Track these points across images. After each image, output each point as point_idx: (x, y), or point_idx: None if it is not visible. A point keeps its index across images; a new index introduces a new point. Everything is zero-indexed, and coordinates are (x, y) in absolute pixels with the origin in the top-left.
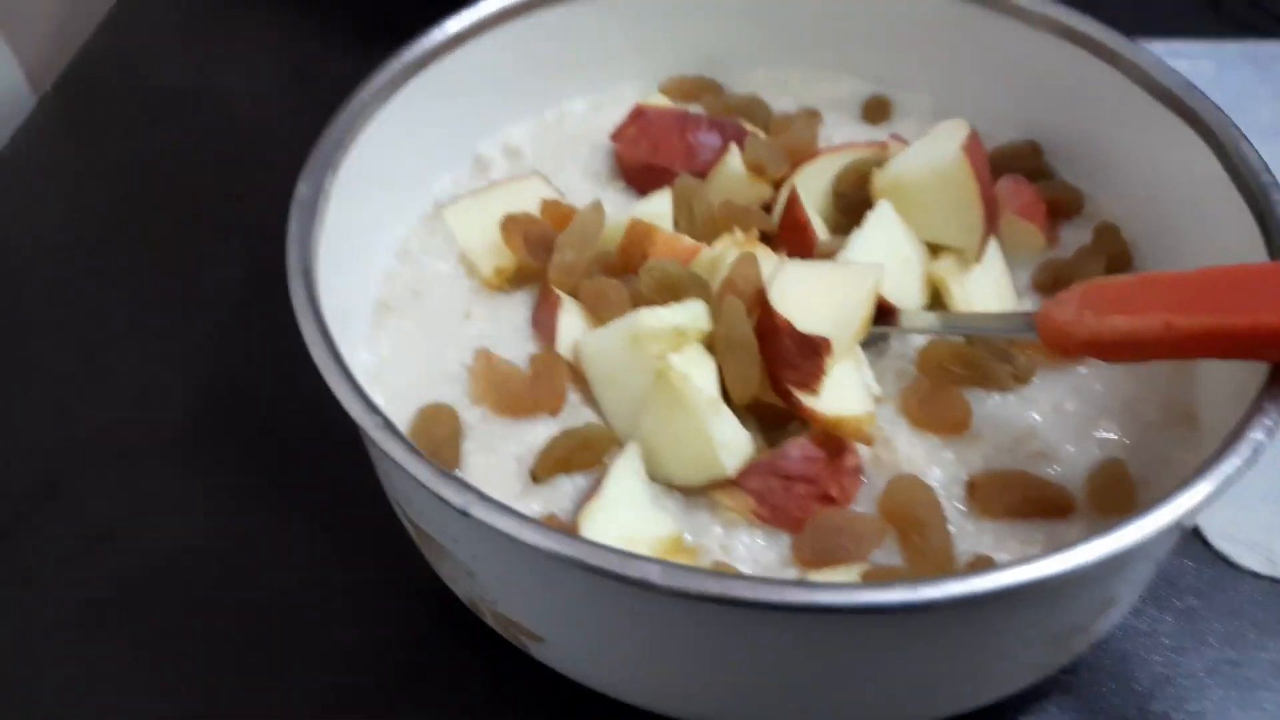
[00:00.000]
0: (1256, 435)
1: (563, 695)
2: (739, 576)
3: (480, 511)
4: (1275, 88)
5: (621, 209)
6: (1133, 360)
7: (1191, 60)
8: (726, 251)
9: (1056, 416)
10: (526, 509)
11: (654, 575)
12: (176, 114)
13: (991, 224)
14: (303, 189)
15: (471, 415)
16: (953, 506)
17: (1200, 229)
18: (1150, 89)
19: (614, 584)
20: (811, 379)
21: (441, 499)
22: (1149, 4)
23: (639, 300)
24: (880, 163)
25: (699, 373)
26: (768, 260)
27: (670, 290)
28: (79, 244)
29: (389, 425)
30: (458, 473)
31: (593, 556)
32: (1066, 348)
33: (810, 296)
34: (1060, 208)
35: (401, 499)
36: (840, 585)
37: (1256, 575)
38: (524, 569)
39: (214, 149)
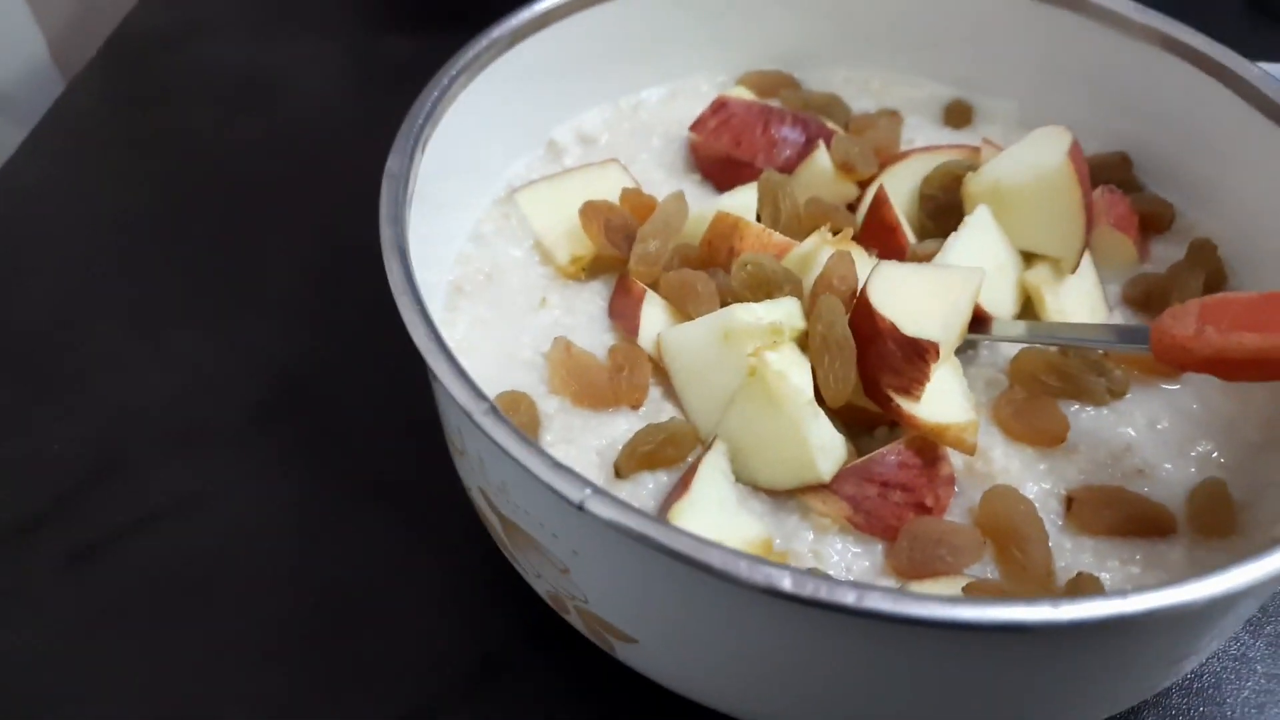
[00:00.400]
0: None
1: (641, 698)
2: (882, 589)
3: (599, 506)
4: None
5: (698, 201)
6: (1257, 379)
7: None
8: (819, 249)
9: (1152, 433)
10: None
11: (785, 583)
12: (230, 90)
13: (1090, 233)
14: (393, 164)
15: (549, 405)
16: (1051, 521)
17: None
18: (1262, 107)
19: (737, 589)
20: (914, 384)
21: (555, 491)
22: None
23: (725, 295)
24: (973, 167)
25: (795, 373)
26: (863, 260)
27: (763, 286)
28: (139, 217)
29: (495, 410)
30: None
31: (722, 561)
32: (1184, 363)
33: (910, 299)
34: (1151, 222)
35: (494, 489)
36: (998, 601)
37: None
38: (634, 568)
39: (270, 129)
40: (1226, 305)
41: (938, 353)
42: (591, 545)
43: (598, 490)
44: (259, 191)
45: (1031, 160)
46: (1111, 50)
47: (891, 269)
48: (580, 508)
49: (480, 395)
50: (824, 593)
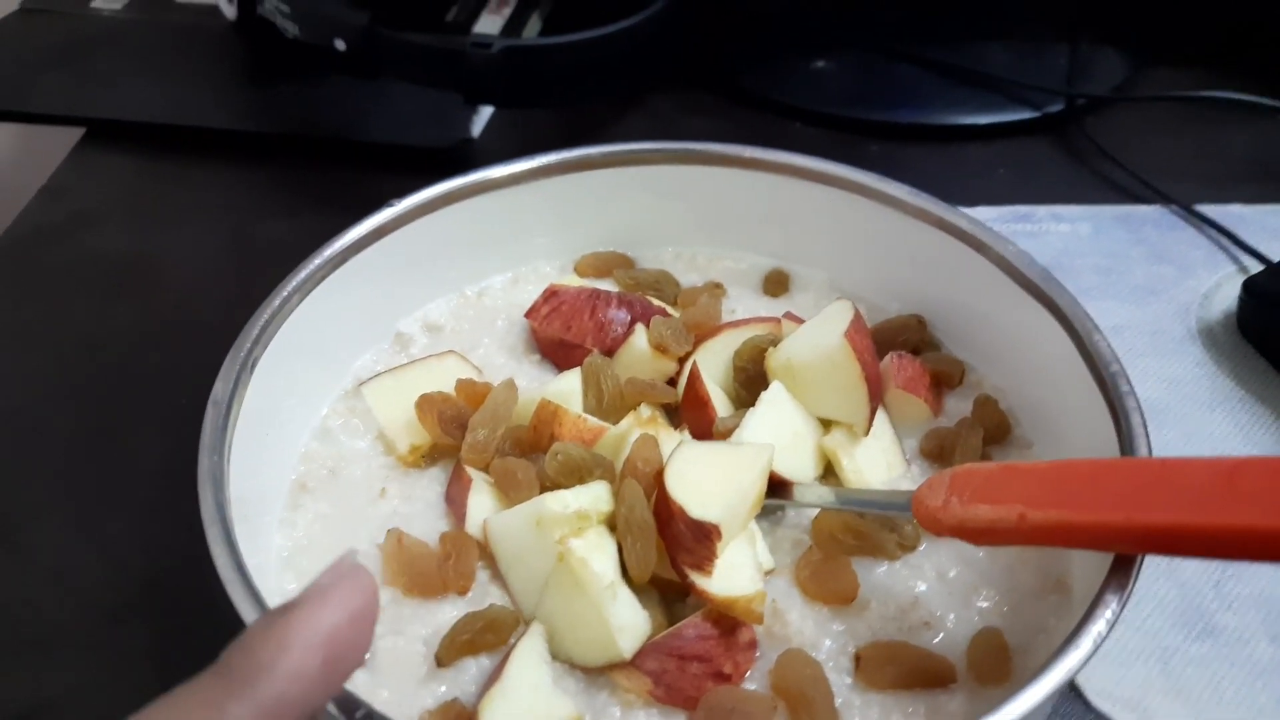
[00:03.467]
0: (1104, 617)
1: None
2: None
3: None
4: (1146, 249)
5: (537, 381)
6: (996, 544)
7: (1072, 223)
8: (630, 431)
9: (940, 584)
10: (431, 693)
11: None
12: (110, 280)
13: (876, 399)
14: (218, 390)
15: (382, 597)
16: (841, 680)
17: (1065, 406)
18: (1014, 277)
19: None
20: (705, 561)
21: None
22: (1034, 171)
23: (544, 480)
24: (775, 341)
25: (599, 556)
26: (669, 439)
27: (575, 473)
28: (7, 411)
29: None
30: (367, 656)
31: None
32: (938, 530)
33: (705, 478)
34: (944, 379)
35: None
36: None
37: None
38: None
39: (146, 317)
40: (971, 476)
41: (720, 534)
42: None
43: (372, 713)
44: (131, 384)
45: (815, 340)
46: (898, 227)
47: (689, 450)
48: None
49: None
50: None
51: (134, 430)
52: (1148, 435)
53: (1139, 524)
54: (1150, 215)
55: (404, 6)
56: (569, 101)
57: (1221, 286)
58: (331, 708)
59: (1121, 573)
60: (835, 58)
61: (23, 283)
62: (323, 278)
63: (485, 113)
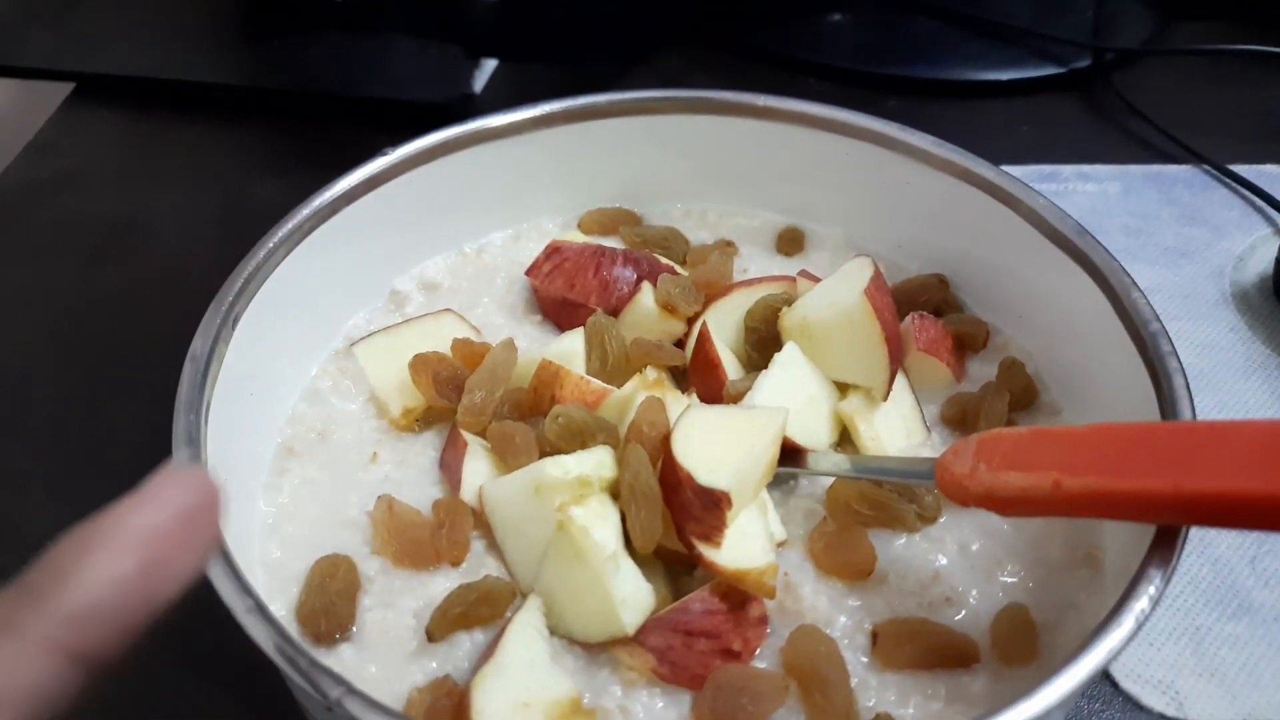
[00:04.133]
0: (1147, 594)
1: None
2: None
3: (353, 705)
4: (1178, 210)
5: (538, 343)
6: (1027, 515)
7: (1100, 183)
8: (635, 394)
9: (962, 558)
10: (422, 669)
11: None
12: (96, 242)
13: (896, 362)
14: (197, 345)
15: (370, 566)
16: (856, 658)
17: (1099, 369)
18: (1046, 232)
19: None
20: (714, 531)
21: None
22: (1060, 128)
23: (544, 444)
24: (789, 300)
25: (601, 525)
26: (676, 403)
27: (576, 437)
28: None
29: (261, 608)
30: (353, 629)
31: None
32: (963, 499)
33: (714, 443)
34: (968, 341)
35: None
36: None
37: (1164, 717)
38: None
39: (134, 280)
40: (1000, 441)
41: (731, 502)
42: None
43: (352, 690)
44: (116, 348)
45: (833, 298)
46: (920, 181)
47: (697, 414)
48: (330, 709)
49: (247, 591)
50: None
51: (118, 396)
52: (1191, 398)
53: (1188, 492)
54: (1181, 175)
55: None
56: (572, 55)
57: (1256, 249)
58: (306, 687)
59: (1165, 546)
60: (850, 10)
61: (6, 243)
62: (310, 230)
63: (488, 68)
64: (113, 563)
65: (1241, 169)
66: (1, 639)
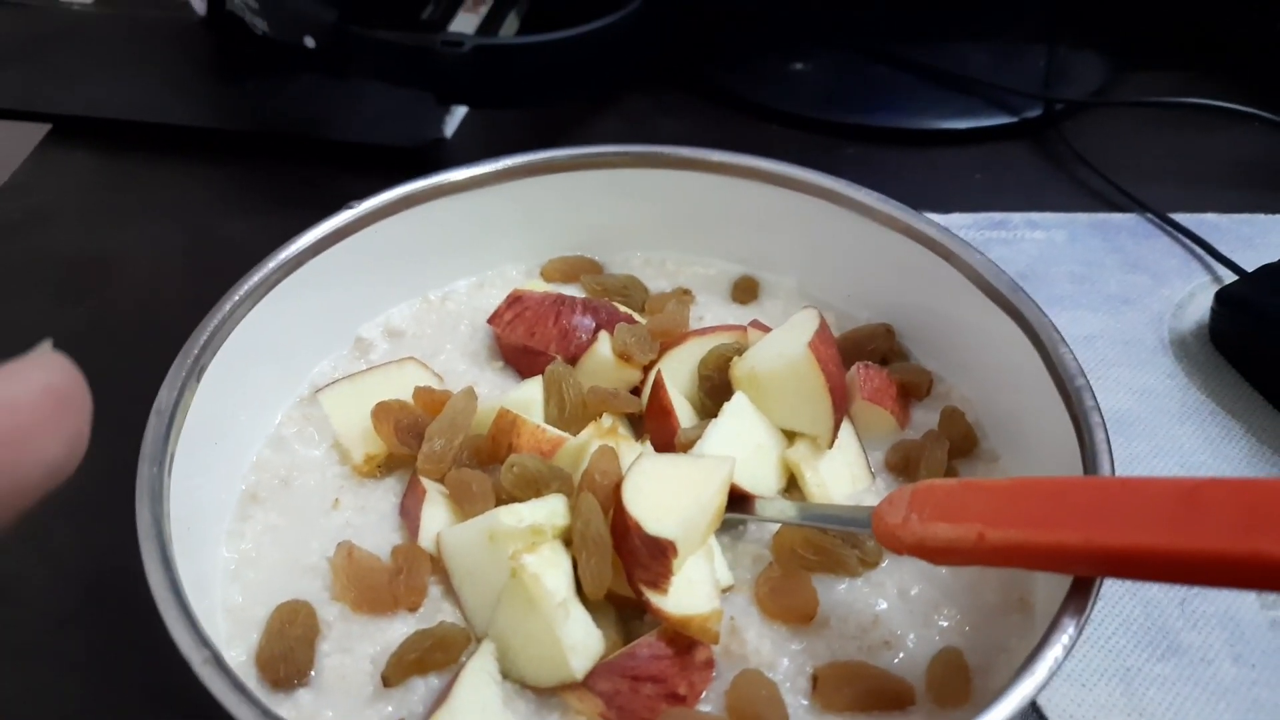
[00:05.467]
0: (1061, 642)
1: None
2: None
3: None
4: (1121, 258)
5: (499, 389)
6: (956, 564)
7: (1048, 230)
8: (590, 442)
9: (902, 602)
10: (378, 713)
11: None
12: (62, 279)
13: (840, 411)
14: (163, 397)
15: (330, 612)
16: (797, 701)
17: (1032, 419)
18: (982, 287)
19: None
20: (660, 578)
21: None
22: (1011, 176)
23: (500, 492)
24: (740, 349)
25: (552, 572)
26: (630, 450)
27: (531, 485)
28: None
29: (217, 659)
30: (312, 674)
31: None
32: (897, 548)
33: (663, 492)
34: (912, 389)
35: None
36: None
37: None
38: None
39: (97, 318)
40: (931, 492)
41: (677, 550)
42: None
43: None
44: (90, 386)
45: (780, 349)
46: (866, 234)
47: (648, 463)
48: None
49: (204, 644)
50: None
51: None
52: (1111, 452)
53: (1097, 546)
54: (1126, 223)
55: (376, 4)
56: (542, 101)
57: (1195, 296)
58: None
59: (1080, 595)
60: (812, 59)
61: None
62: (277, 282)
63: (459, 113)
64: None
65: (1182, 217)
66: None
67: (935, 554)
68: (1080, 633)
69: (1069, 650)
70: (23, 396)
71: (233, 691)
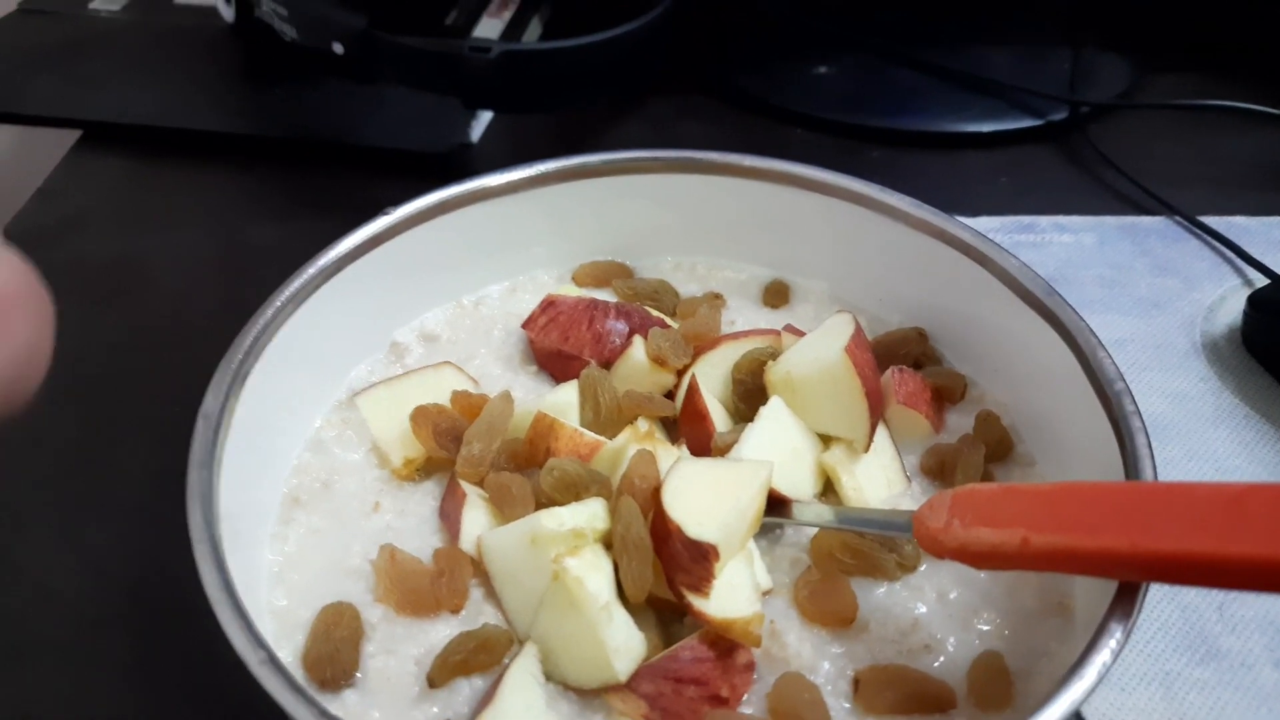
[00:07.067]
0: (1109, 647)
1: None
2: None
3: None
4: (1151, 261)
5: (534, 393)
6: (999, 569)
7: (1075, 234)
8: (628, 446)
9: (941, 606)
10: (424, 714)
11: None
12: (97, 285)
13: (876, 415)
14: (209, 403)
15: (374, 614)
16: (839, 704)
17: (1069, 424)
18: (1018, 292)
19: None
20: (702, 582)
21: None
22: (1037, 179)
23: (540, 495)
24: (774, 354)
25: (594, 576)
26: (667, 454)
27: (571, 489)
28: None
29: (273, 659)
30: (357, 676)
31: None
32: (939, 553)
33: (703, 496)
34: (946, 393)
35: None
36: None
37: None
38: None
39: (134, 324)
40: (973, 497)
41: (718, 554)
42: None
43: None
44: (119, 391)
45: (816, 353)
46: (899, 239)
47: (687, 467)
48: None
49: (260, 644)
50: None
51: (120, 438)
52: (1153, 457)
53: (1145, 551)
54: (1155, 226)
55: (402, 10)
56: (568, 106)
57: (1226, 300)
58: None
59: (1126, 600)
60: (836, 62)
61: None
62: (317, 287)
63: (484, 117)
64: None
65: (1212, 220)
66: None
67: (978, 559)
68: (1128, 638)
69: (1117, 655)
70: None
71: (290, 691)
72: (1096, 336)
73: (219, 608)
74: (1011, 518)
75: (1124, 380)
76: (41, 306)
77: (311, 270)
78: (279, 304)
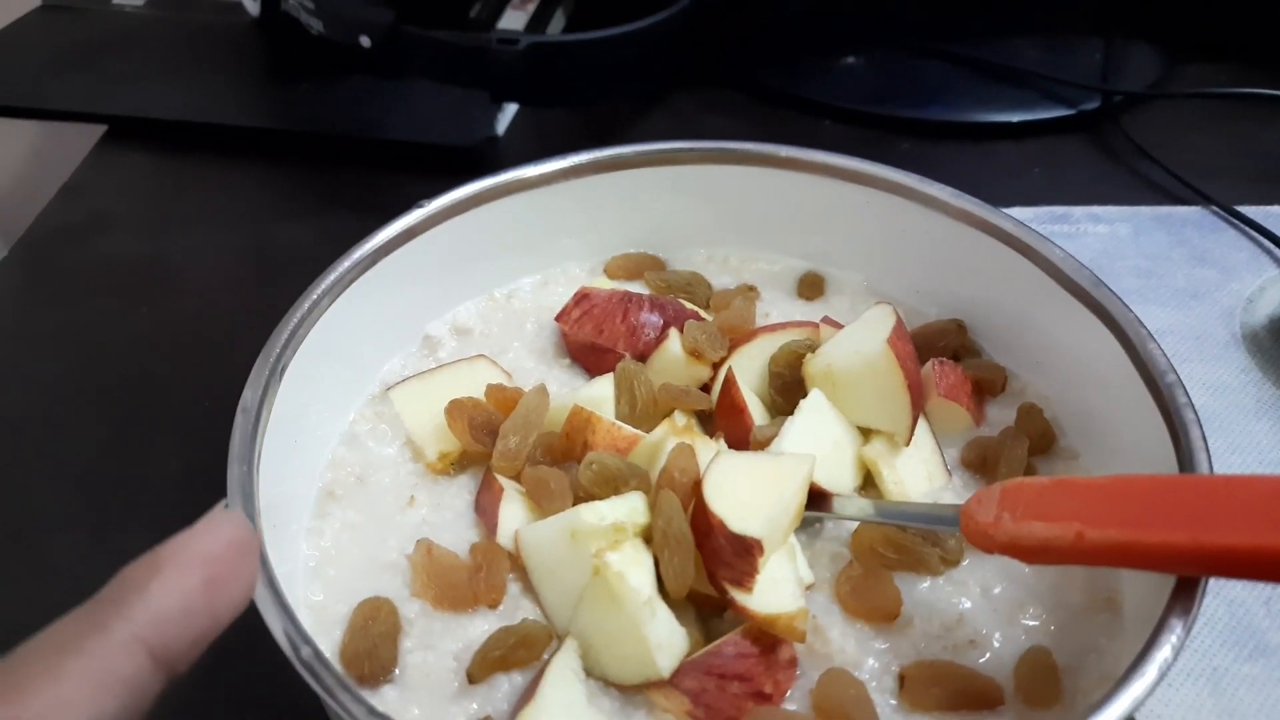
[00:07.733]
0: (1169, 643)
1: None
2: None
3: None
4: (1187, 251)
5: (568, 387)
6: (1051, 564)
7: (1111, 224)
8: (666, 440)
9: (985, 601)
10: (464, 710)
11: None
12: (129, 283)
13: (918, 408)
14: (247, 397)
15: (411, 609)
16: (885, 700)
17: (1116, 416)
18: (1062, 283)
19: None
20: (745, 577)
21: None
22: (1070, 170)
23: (578, 489)
24: (813, 346)
25: (636, 570)
26: (705, 448)
27: (610, 483)
28: (28, 419)
29: (318, 655)
30: (396, 671)
31: None
32: (989, 548)
33: (744, 490)
34: (986, 386)
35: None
36: None
37: None
38: None
39: (166, 321)
40: (1023, 490)
41: (762, 548)
42: None
43: None
44: (151, 389)
45: (856, 346)
46: (937, 229)
47: (727, 460)
48: None
49: (305, 640)
50: None
51: (152, 437)
52: (1208, 450)
53: (1206, 546)
54: (1191, 216)
55: (428, 3)
56: (594, 99)
57: (1265, 290)
58: None
59: (1185, 596)
60: (863, 54)
61: (42, 286)
62: (351, 281)
63: (509, 111)
64: (182, 577)
65: (1249, 210)
66: (96, 637)
67: (1029, 553)
68: (1188, 634)
69: (1178, 651)
70: (218, 551)
71: (337, 686)
72: (1146, 328)
73: (263, 604)
74: (1064, 511)
75: (1175, 372)
76: (258, 548)
77: (346, 264)
78: (315, 297)
